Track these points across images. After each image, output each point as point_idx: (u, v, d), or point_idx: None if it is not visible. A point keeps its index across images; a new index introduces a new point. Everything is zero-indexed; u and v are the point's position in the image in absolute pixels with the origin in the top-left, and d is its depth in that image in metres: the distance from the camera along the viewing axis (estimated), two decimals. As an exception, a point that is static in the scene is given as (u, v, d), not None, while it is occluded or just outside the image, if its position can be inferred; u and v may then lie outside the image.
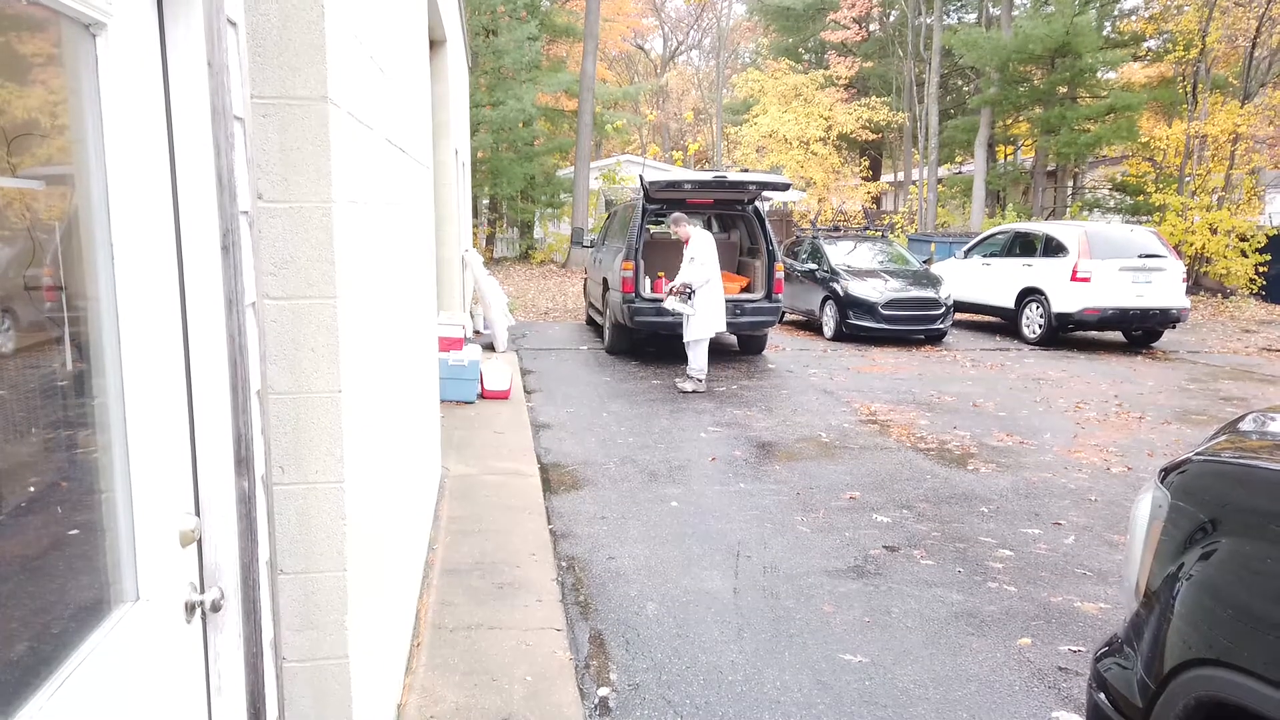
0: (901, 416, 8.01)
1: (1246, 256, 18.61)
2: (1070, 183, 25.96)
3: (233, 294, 1.56)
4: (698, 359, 8.92)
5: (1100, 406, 8.60)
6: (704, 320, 8.84)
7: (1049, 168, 24.68)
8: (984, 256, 14.34)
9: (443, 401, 7.89)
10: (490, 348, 11.13)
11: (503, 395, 8.25)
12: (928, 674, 3.46)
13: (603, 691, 3.31)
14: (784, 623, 3.87)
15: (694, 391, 8.84)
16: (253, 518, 1.62)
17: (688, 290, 8.90)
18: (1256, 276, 18.64)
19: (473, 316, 12.30)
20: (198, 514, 1.61)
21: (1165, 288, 12.21)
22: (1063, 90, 22.65)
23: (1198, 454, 2.14)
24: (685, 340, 8.94)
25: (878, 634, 3.79)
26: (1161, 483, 2.18)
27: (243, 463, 1.60)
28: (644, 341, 10.97)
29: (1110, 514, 5.43)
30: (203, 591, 1.59)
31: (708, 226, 13.32)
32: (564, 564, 4.51)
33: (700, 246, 8.87)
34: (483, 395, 8.21)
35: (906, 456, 6.68)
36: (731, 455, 6.63)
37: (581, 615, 3.94)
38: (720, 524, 5.12)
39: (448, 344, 7.93)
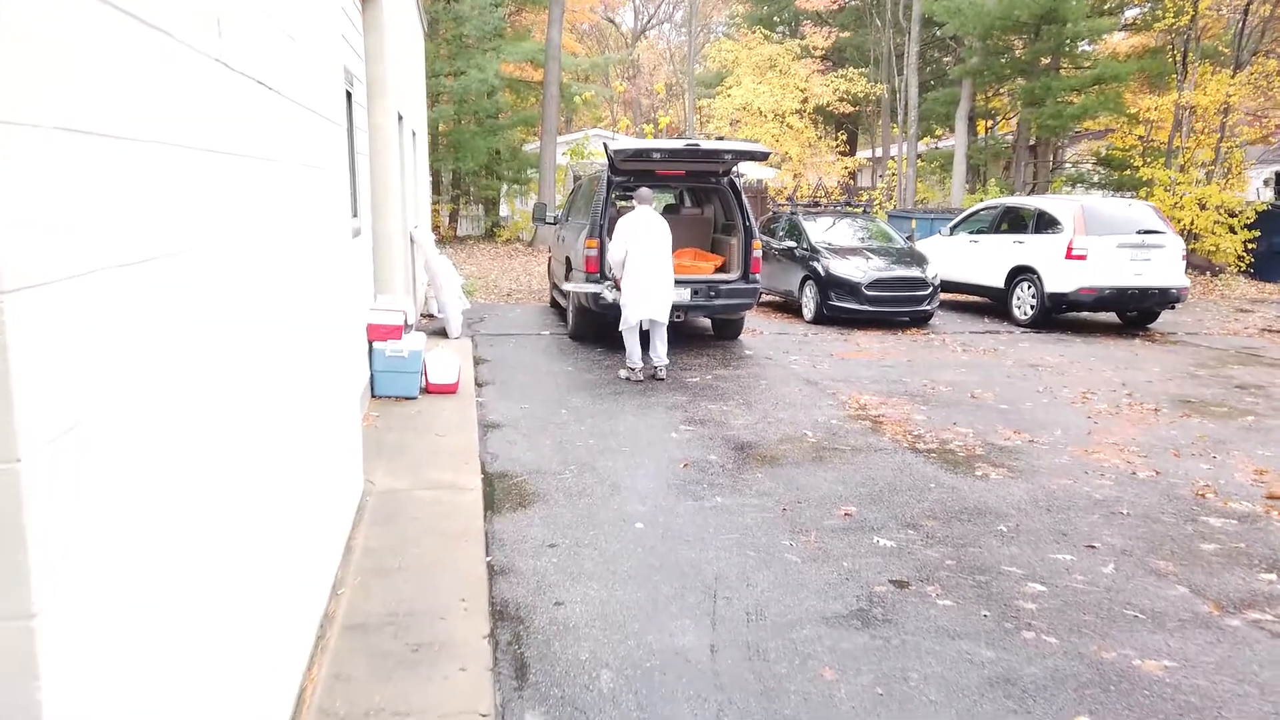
0: (894, 411, 7.20)
1: (1235, 233, 18.03)
2: (1051, 157, 25.28)
3: None
4: (627, 346, 8.21)
5: (1109, 397, 7.85)
6: (629, 306, 8.16)
7: (1030, 142, 23.97)
8: (971, 233, 13.57)
9: (379, 397, 6.99)
10: (443, 333, 10.20)
11: (450, 389, 7.33)
12: (965, 776, 2.64)
13: (536, 817, 2.45)
14: (776, 698, 3.04)
15: (628, 379, 8.12)
16: None
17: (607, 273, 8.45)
18: (1245, 253, 18.08)
19: (427, 300, 11.35)
20: None
21: (1165, 266, 11.50)
22: (1046, 61, 21.89)
23: None
24: None
25: (895, 712, 2.97)
26: None
27: None
28: (610, 326, 10.05)
29: (1148, 532, 4.64)
30: None
31: (679, 200, 12.44)
32: (500, 612, 3.64)
33: (621, 225, 8.20)
34: (427, 389, 7.30)
35: (904, 460, 5.87)
36: (706, 460, 5.78)
37: (516, 690, 3.08)
38: (694, 552, 4.28)
39: (384, 332, 6.99)
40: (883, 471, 5.61)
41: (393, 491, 4.97)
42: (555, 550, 4.27)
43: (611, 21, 47.12)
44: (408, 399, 7.06)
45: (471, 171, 24.47)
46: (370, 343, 6.97)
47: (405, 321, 7.28)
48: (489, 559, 4.15)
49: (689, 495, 5.10)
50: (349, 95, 6.30)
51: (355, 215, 6.52)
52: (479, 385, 7.83)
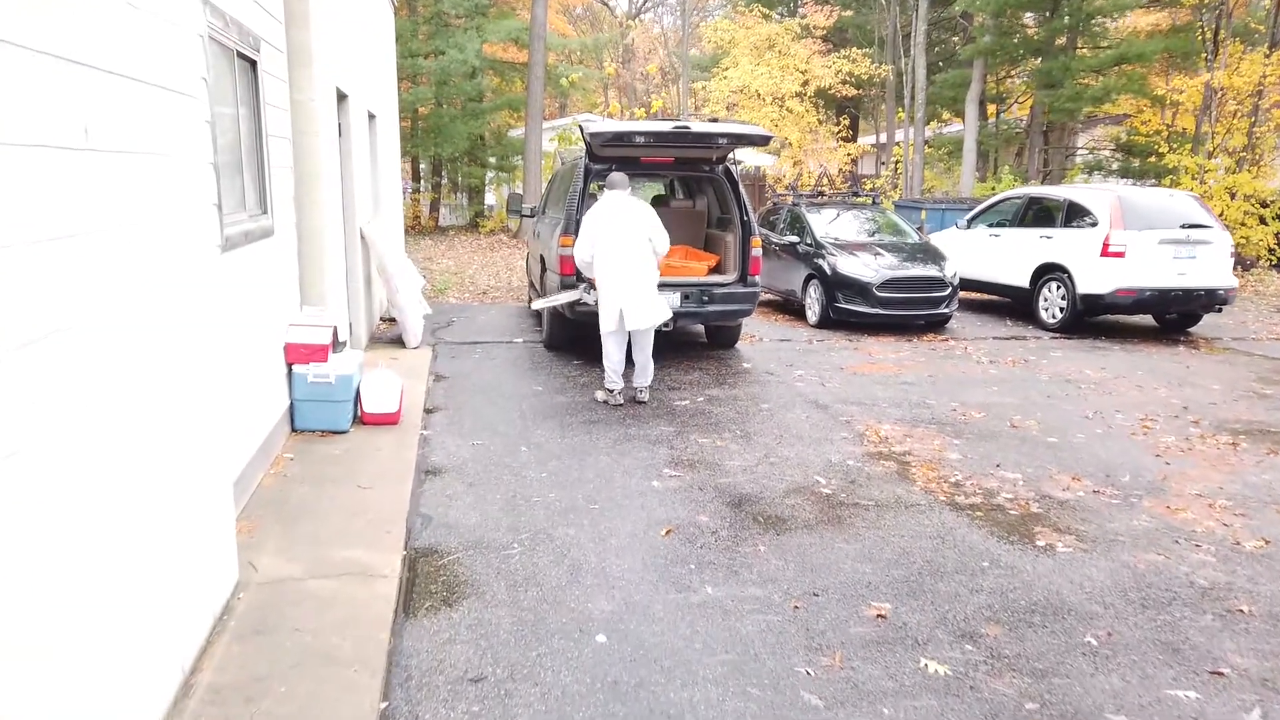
0: (923, 446, 6.00)
1: (1266, 224, 16.78)
2: (1067, 143, 23.98)
3: None
4: (606, 362, 7.02)
5: (1172, 424, 6.65)
6: (600, 313, 7.02)
7: (1043, 127, 22.68)
8: (991, 226, 12.33)
9: (299, 432, 5.78)
10: (400, 342, 8.99)
11: (390, 420, 6.12)
12: None
13: None
14: None
15: (606, 403, 6.95)
16: None
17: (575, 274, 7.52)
18: (1276, 246, 16.85)
19: (388, 307, 10.11)
20: None
21: (1211, 264, 10.28)
22: (1062, 40, 20.58)
23: None
24: None
25: None
26: None
27: None
28: (589, 335, 8.84)
29: (1286, 644, 3.45)
30: None
31: (669, 191, 11.22)
32: (381, 818, 2.44)
33: (587, 218, 7.03)
34: (362, 420, 6.09)
35: (944, 521, 4.67)
36: (695, 523, 4.58)
37: None
38: (673, 689, 3.07)
39: (306, 353, 5.76)
40: (919, 541, 4.41)
41: (279, 582, 3.76)
42: (480, 689, 3.06)
43: (605, 4, 45.59)
44: (336, 433, 5.84)
45: (453, 158, 23.16)
46: (289, 366, 5.76)
47: (335, 338, 6.06)
48: (384, 706, 2.94)
49: (671, 583, 3.90)
50: (251, 62, 5.06)
51: (264, 211, 5.28)
52: (428, 412, 6.61)
